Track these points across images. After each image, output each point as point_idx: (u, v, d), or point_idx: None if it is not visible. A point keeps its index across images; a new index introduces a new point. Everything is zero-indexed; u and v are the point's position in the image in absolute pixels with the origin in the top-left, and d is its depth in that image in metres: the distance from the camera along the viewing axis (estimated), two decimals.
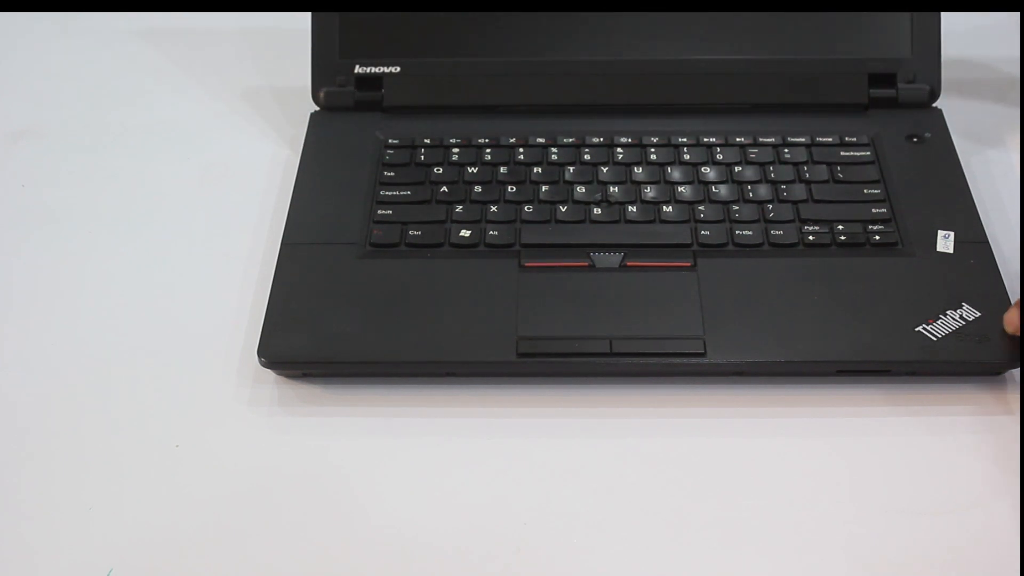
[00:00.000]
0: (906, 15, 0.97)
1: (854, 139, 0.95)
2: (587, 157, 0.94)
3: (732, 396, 0.81)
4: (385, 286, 0.84)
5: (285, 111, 1.05)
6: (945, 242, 0.87)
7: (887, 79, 0.98)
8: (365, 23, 0.99)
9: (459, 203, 0.91)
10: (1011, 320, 0.79)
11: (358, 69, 0.99)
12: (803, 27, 0.98)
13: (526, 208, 0.90)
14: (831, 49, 0.98)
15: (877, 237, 0.87)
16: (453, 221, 0.89)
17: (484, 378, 0.82)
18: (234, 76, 1.11)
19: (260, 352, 0.81)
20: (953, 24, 1.00)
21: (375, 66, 0.99)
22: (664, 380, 0.82)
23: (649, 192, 0.91)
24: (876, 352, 0.80)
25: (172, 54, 1.15)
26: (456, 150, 0.95)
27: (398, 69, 0.99)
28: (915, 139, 0.95)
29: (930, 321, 0.81)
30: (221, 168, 1.01)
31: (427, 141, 0.96)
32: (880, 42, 0.98)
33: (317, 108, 1.00)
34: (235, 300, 0.88)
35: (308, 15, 0.99)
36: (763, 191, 0.91)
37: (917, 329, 0.81)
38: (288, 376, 0.83)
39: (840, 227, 0.88)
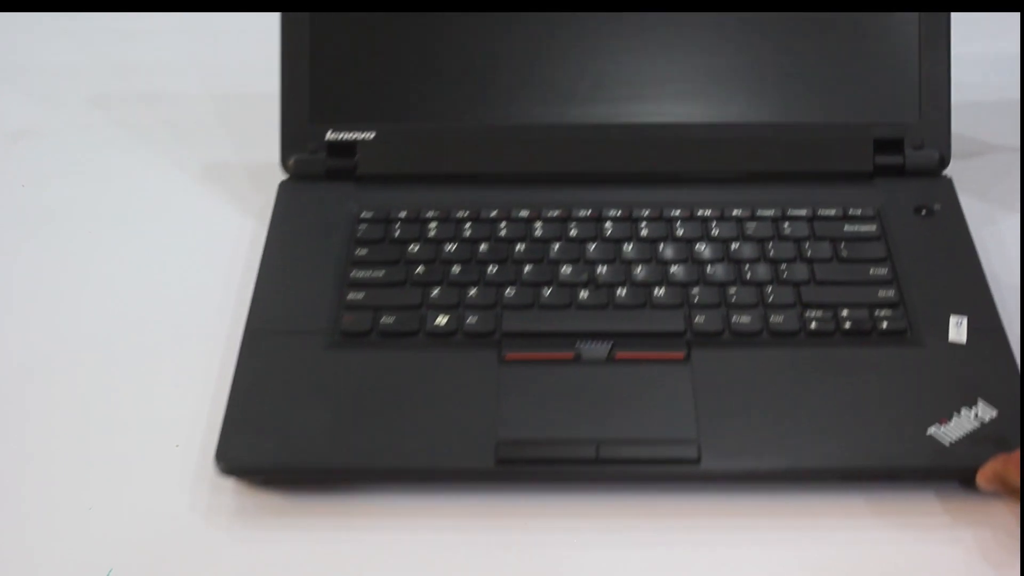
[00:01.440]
0: (914, 78, 0.91)
1: (859, 211, 0.89)
2: (574, 233, 0.88)
3: (728, 504, 0.75)
4: (355, 382, 0.79)
5: (253, 180, 0.99)
6: (957, 329, 0.81)
7: (894, 145, 0.92)
8: (338, 84, 0.93)
9: (436, 285, 0.85)
10: (987, 476, 0.72)
11: (330, 135, 0.93)
12: (803, 88, 0.92)
13: (507, 291, 0.84)
14: (833, 112, 0.92)
15: (885, 324, 0.81)
16: (429, 306, 0.83)
17: (462, 483, 0.76)
18: (199, 143, 1.06)
19: (218, 457, 0.75)
20: (963, 83, 0.93)
21: (348, 131, 0.93)
22: (655, 486, 0.76)
23: (639, 272, 0.85)
24: (884, 458, 0.74)
25: (134, 119, 1.10)
26: (433, 224, 0.89)
27: (373, 135, 0.93)
28: (923, 211, 0.89)
29: (943, 421, 0.75)
30: (183, 244, 0.95)
31: (403, 214, 0.90)
32: (886, 105, 0.92)
33: (286, 177, 0.94)
34: (193, 394, 0.82)
35: (278, 82, 0.93)
36: (762, 271, 0.85)
37: (929, 432, 0.75)
38: (250, 482, 0.76)
39: (845, 312, 0.82)
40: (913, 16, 0.91)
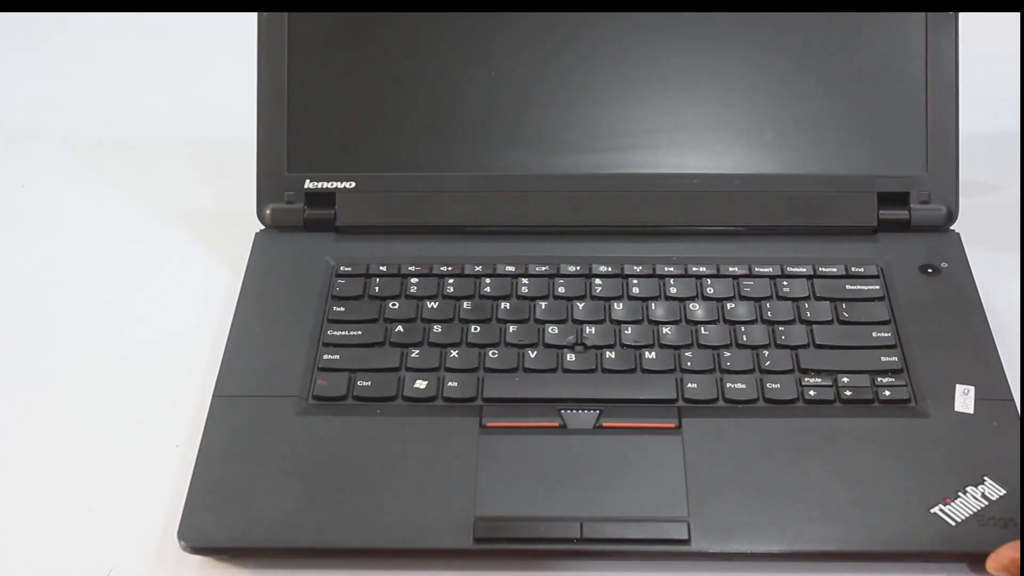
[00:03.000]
0: (920, 129, 0.87)
1: (861, 269, 0.85)
2: (561, 290, 0.84)
3: None
4: (326, 452, 0.75)
5: (230, 230, 0.94)
6: (964, 399, 0.76)
7: (899, 199, 0.88)
8: (317, 132, 0.89)
9: (415, 346, 0.81)
10: (1001, 563, 0.68)
11: (308, 184, 0.89)
12: (804, 139, 0.88)
13: (491, 353, 0.80)
14: (836, 164, 0.88)
15: (887, 392, 0.77)
16: (408, 368, 0.79)
17: (438, 563, 0.72)
18: (175, 192, 1.02)
19: (181, 535, 0.71)
20: (969, 134, 0.89)
21: (327, 181, 0.89)
22: (643, 566, 0.72)
23: (629, 333, 0.81)
24: (886, 540, 0.70)
25: (107, 162, 1.07)
26: (415, 280, 0.85)
27: (352, 184, 0.89)
28: (930, 270, 0.85)
29: (947, 500, 0.71)
30: (156, 298, 0.91)
31: (382, 268, 0.86)
32: (890, 157, 0.88)
33: (263, 227, 0.90)
34: (159, 462, 0.78)
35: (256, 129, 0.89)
36: (758, 334, 0.81)
37: (933, 511, 0.70)
38: (216, 559, 0.72)
39: (845, 379, 0.77)
40: (920, 64, 0.87)
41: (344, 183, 0.89)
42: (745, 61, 0.88)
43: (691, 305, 0.83)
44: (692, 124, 0.88)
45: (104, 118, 1.11)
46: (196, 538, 0.71)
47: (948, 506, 0.71)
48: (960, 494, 0.71)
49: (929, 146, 0.87)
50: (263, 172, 0.89)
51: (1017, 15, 1.07)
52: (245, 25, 0.89)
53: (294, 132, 0.88)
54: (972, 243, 0.87)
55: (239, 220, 0.91)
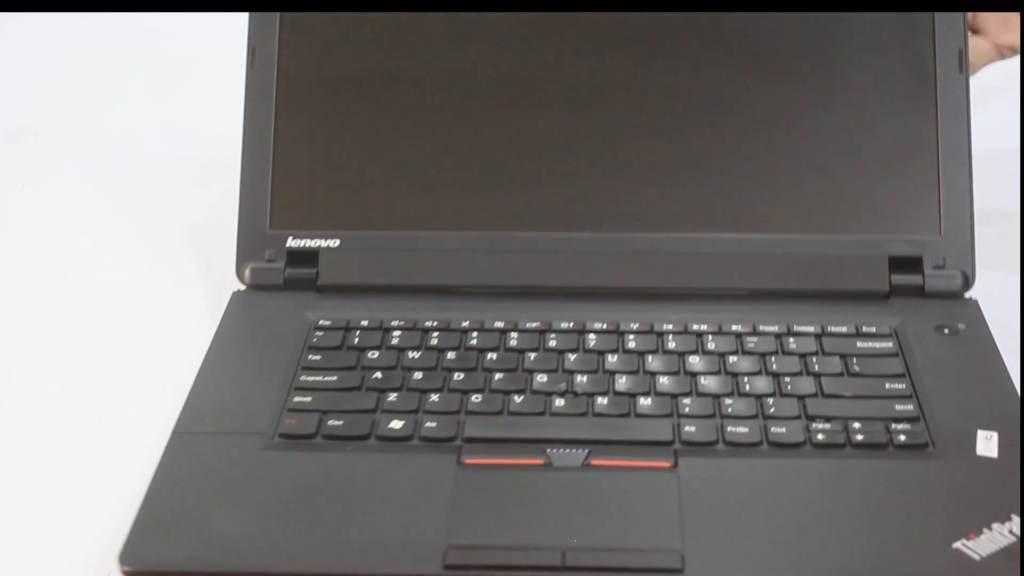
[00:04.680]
0: (933, 189, 0.83)
1: (873, 328, 0.79)
2: (552, 343, 0.79)
3: None
4: (288, 483, 0.68)
5: (208, 287, 0.91)
6: (987, 444, 0.70)
7: (911, 264, 0.83)
8: (302, 189, 0.85)
9: (393, 391, 0.75)
10: None
11: (291, 242, 0.85)
12: (811, 200, 0.84)
13: (473, 397, 0.74)
14: (844, 227, 0.84)
15: (902, 437, 0.70)
16: (383, 411, 0.73)
17: None
18: (153, 244, 0.98)
19: (123, 559, 0.64)
20: (985, 191, 0.85)
21: (311, 239, 0.85)
22: None
23: (623, 382, 0.75)
24: (903, 573, 0.62)
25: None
26: (397, 333, 0.80)
27: (337, 243, 0.85)
28: (946, 330, 0.79)
29: (971, 536, 0.64)
30: (123, 354, 0.86)
31: (364, 323, 0.81)
32: (902, 220, 0.83)
33: (243, 286, 0.85)
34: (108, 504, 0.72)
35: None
36: (761, 384, 0.75)
37: (955, 545, 0.63)
38: None
39: (856, 425, 0.71)
40: (931, 121, 0.83)
41: (328, 241, 0.85)
42: (748, 120, 0.85)
43: (690, 358, 0.77)
44: (693, 183, 0.84)
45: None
46: (139, 561, 0.64)
47: (972, 541, 0.64)
48: (986, 530, 0.64)
49: (943, 209, 0.83)
50: (244, 229, 0.85)
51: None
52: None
53: (278, 188, 0.85)
54: (988, 302, 0.82)
55: (217, 277, 0.88)
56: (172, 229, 0.99)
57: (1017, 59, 0.92)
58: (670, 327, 0.80)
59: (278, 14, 0.87)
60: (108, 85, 1.20)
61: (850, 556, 0.63)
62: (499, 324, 0.81)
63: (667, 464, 0.69)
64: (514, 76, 0.85)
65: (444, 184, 0.85)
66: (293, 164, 0.85)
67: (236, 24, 0.88)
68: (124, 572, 0.64)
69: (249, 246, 0.85)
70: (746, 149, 0.84)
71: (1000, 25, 0.89)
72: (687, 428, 0.71)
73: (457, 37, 0.86)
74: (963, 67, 0.84)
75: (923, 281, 0.83)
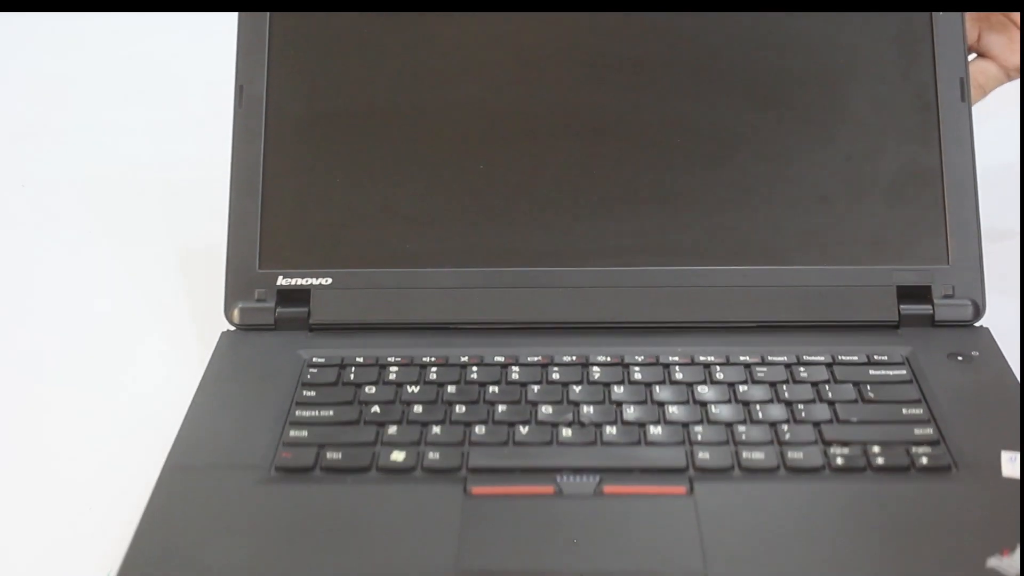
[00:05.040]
0: (939, 216, 0.81)
1: (885, 357, 0.77)
2: (556, 376, 0.76)
3: None
4: (287, 513, 0.65)
5: (197, 325, 0.88)
6: (1012, 465, 0.68)
7: (920, 293, 0.81)
8: (292, 227, 0.83)
9: (393, 423, 0.72)
10: None
11: (281, 281, 0.82)
12: (816, 230, 0.82)
13: (477, 429, 0.71)
14: (850, 258, 0.82)
15: (924, 460, 0.68)
16: (384, 443, 0.70)
17: None
18: (138, 286, 0.95)
19: None
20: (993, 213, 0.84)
21: (302, 277, 0.82)
22: None
23: (631, 412, 0.73)
24: None
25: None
26: (394, 368, 0.77)
27: (329, 281, 0.82)
28: (960, 357, 0.77)
29: (1005, 552, 0.61)
30: (106, 389, 0.83)
31: (360, 360, 0.78)
32: (909, 249, 0.82)
33: (231, 327, 0.82)
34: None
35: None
36: (775, 412, 0.72)
37: (990, 564, 0.60)
38: None
39: (876, 449, 0.69)
40: (935, 150, 0.82)
41: (320, 279, 0.82)
42: (751, 152, 0.83)
43: (699, 388, 0.75)
44: (697, 214, 0.82)
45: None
46: None
47: (1007, 557, 0.61)
48: (1019, 547, 0.61)
49: (950, 238, 0.81)
50: (232, 268, 0.82)
51: None
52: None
53: (268, 226, 0.83)
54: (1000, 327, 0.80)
55: (205, 317, 0.86)
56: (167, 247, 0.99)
57: None
58: (676, 358, 0.77)
59: (266, 53, 0.85)
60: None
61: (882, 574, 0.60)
62: (499, 359, 0.78)
63: (683, 490, 0.66)
64: (510, 109, 0.84)
65: (438, 220, 0.83)
66: (283, 201, 0.83)
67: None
68: None
69: (238, 285, 0.82)
70: (749, 181, 0.83)
71: (1007, 47, 0.88)
72: (701, 455, 0.69)
73: (449, 72, 0.84)
74: (964, 95, 0.83)
75: (933, 310, 0.81)
